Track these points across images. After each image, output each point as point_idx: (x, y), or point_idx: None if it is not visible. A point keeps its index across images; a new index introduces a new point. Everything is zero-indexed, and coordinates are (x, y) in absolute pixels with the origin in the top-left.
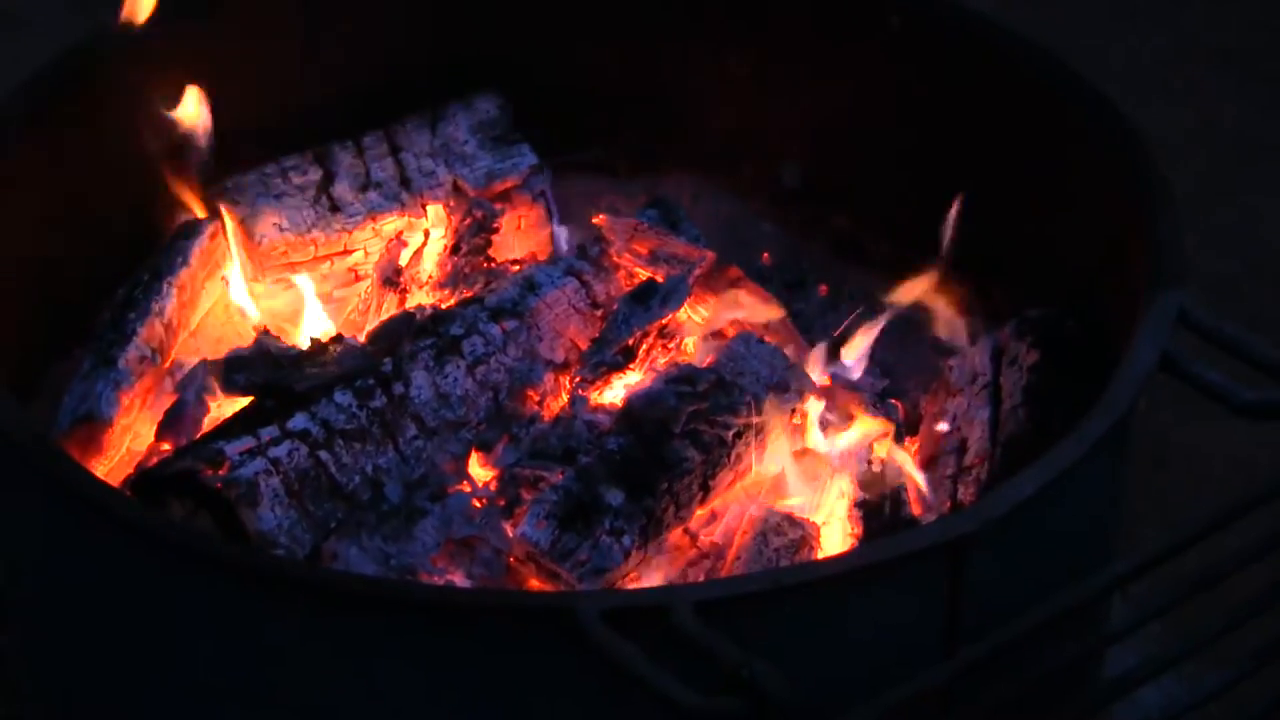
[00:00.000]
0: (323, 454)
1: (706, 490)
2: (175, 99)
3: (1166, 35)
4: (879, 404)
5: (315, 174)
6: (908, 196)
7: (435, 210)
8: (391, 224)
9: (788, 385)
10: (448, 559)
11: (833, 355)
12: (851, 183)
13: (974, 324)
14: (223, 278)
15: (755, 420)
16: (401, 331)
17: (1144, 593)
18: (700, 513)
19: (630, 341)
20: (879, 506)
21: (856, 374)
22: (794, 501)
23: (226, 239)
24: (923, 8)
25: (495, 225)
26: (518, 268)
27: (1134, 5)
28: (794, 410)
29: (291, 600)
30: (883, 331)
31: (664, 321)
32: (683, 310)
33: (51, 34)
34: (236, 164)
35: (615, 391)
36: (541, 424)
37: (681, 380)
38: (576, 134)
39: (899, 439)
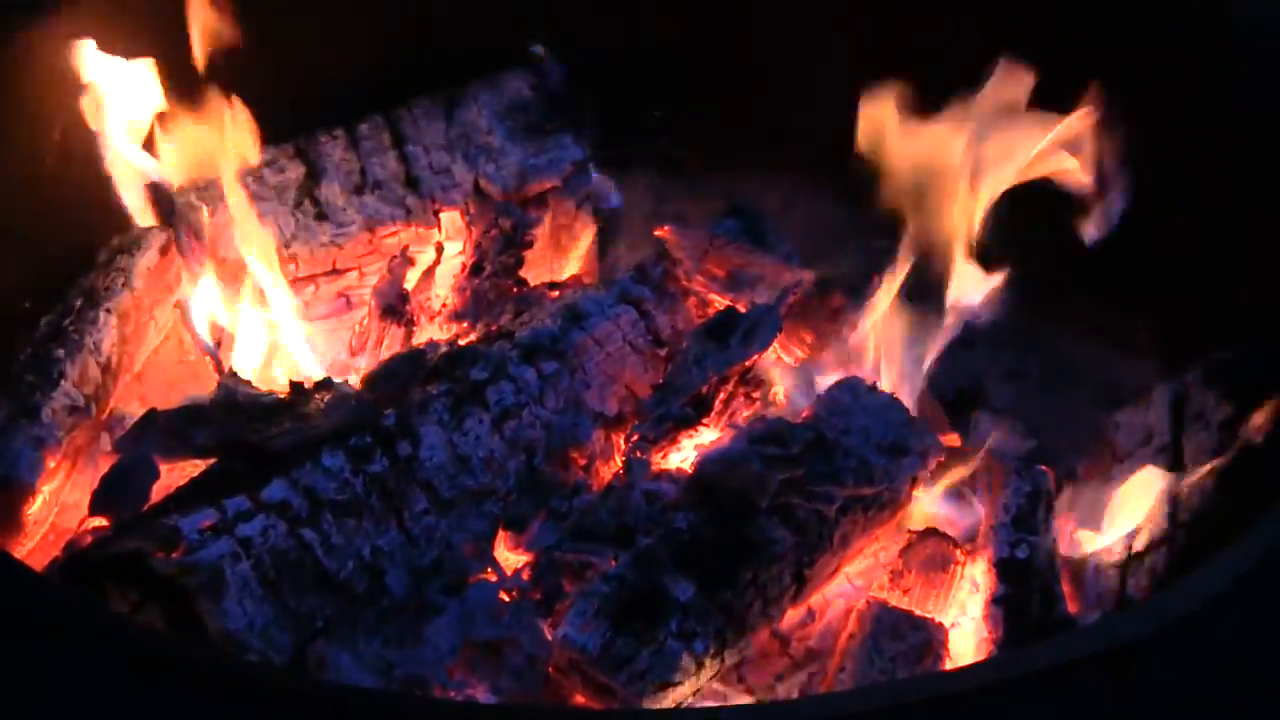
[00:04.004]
0: (306, 533)
1: (802, 581)
2: (117, 72)
3: None
4: (1025, 471)
5: (296, 171)
6: (1059, 210)
7: (451, 219)
8: (394, 236)
9: (907, 446)
10: (467, 668)
11: (965, 407)
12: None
13: (1148, 369)
14: (176, 304)
15: (865, 491)
16: (408, 374)
17: None
18: (794, 610)
19: (704, 389)
20: (1024, 602)
21: (995, 432)
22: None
23: (181, 254)
24: None
25: (528, 238)
26: (557, 294)
27: None
28: (915, 479)
29: (266, 718)
30: (1031, 380)
31: (747, 364)
32: (772, 349)
33: None
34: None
35: (684, 453)
36: (589, 495)
37: (770, 439)
38: (634, 120)
39: (1051, 515)
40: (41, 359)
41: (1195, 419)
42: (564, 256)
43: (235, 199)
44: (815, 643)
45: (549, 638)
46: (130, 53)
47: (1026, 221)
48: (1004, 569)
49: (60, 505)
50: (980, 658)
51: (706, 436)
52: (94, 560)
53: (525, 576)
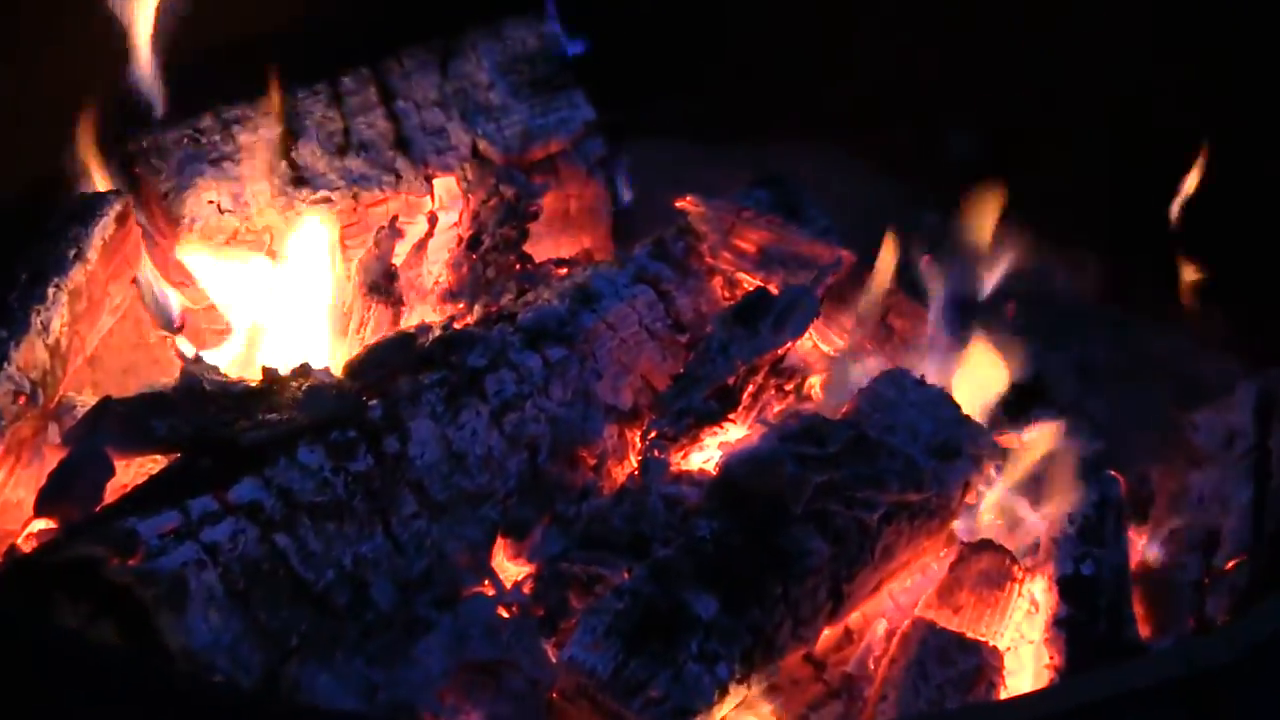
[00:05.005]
0: (280, 538)
1: (839, 598)
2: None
3: None
4: (1092, 476)
5: (271, 130)
6: (1128, 181)
7: (445, 186)
8: (382, 204)
9: (960, 448)
10: (461, 692)
11: (1023, 404)
12: (1048, 159)
13: (1230, 363)
14: (134, 279)
15: (912, 497)
16: (397, 361)
17: None
18: (830, 631)
19: (730, 380)
20: (1090, 624)
21: (1059, 433)
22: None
23: (141, 223)
24: None
25: (533, 208)
26: (565, 271)
27: None
28: (968, 483)
29: None
30: (1099, 374)
31: (780, 352)
32: (807, 336)
33: None
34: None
35: (707, 453)
36: (599, 498)
37: (804, 437)
38: (654, 77)
39: (1121, 526)
40: None
41: None
42: (573, 229)
43: None
44: (853, 668)
45: (553, 659)
46: None
47: (1095, 199)
48: (1067, 586)
49: (2, 504)
50: (1040, 686)
51: (733, 434)
52: (40, 567)
53: (526, 590)
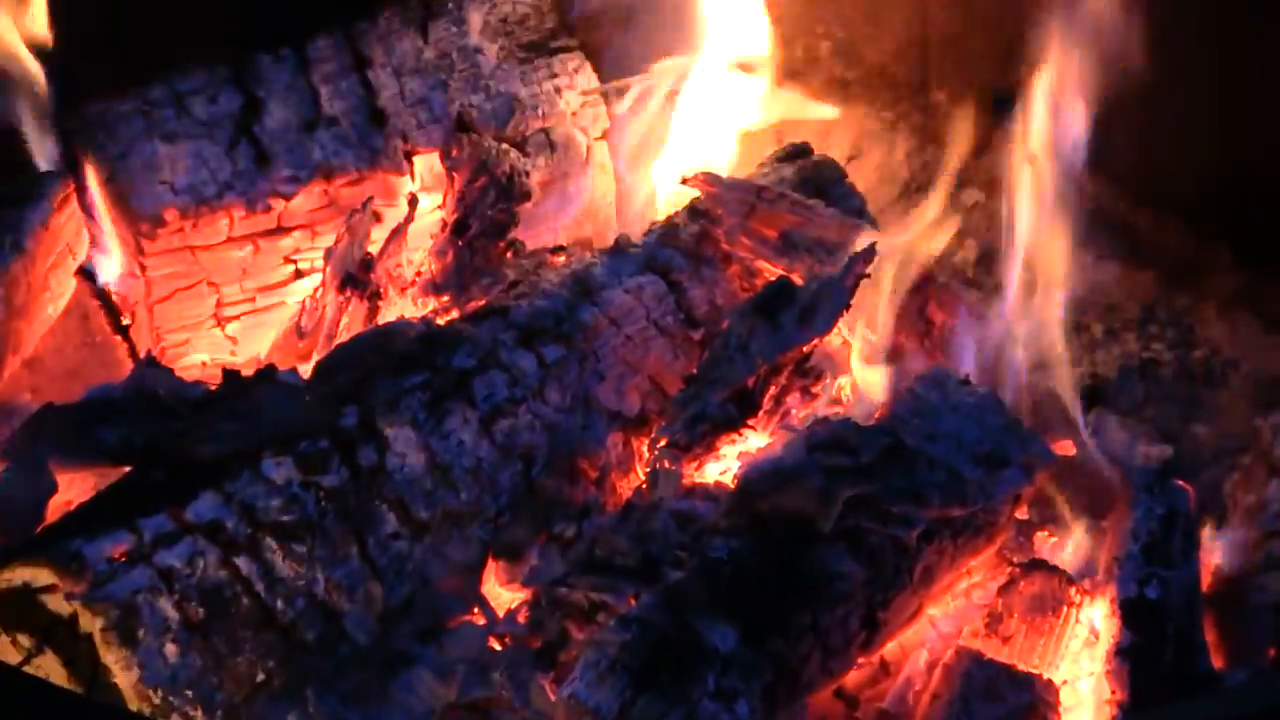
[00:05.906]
0: (244, 562)
1: (874, 626)
2: None
3: None
4: (1158, 488)
5: (232, 102)
6: (1193, 153)
7: (428, 163)
8: (356, 185)
9: (1008, 457)
10: None
11: (1084, 406)
12: (1103, 127)
13: None
14: (78, 271)
15: (955, 512)
16: (373, 362)
17: None
18: (863, 663)
19: (750, 381)
20: (1156, 653)
21: (1119, 438)
22: None
23: (84, 208)
24: None
25: (526, 189)
26: (563, 259)
27: None
28: (1018, 497)
29: None
30: (1163, 372)
31: (805, 349)
32: (836, 331)
33: None
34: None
35: (724, 463)
36: (602, 516)
37: (834, 446)
38: (660, 39)
39: (1191, 544)
40: None
41: None
42: (571, 212)
43: None
44: (890, 705)
45: (551, 697)
46: None
47: (1162, 177)
48: (1131, 611)
49: None
50: None
51: (753, 442)
52: None
53: (521, 619)
